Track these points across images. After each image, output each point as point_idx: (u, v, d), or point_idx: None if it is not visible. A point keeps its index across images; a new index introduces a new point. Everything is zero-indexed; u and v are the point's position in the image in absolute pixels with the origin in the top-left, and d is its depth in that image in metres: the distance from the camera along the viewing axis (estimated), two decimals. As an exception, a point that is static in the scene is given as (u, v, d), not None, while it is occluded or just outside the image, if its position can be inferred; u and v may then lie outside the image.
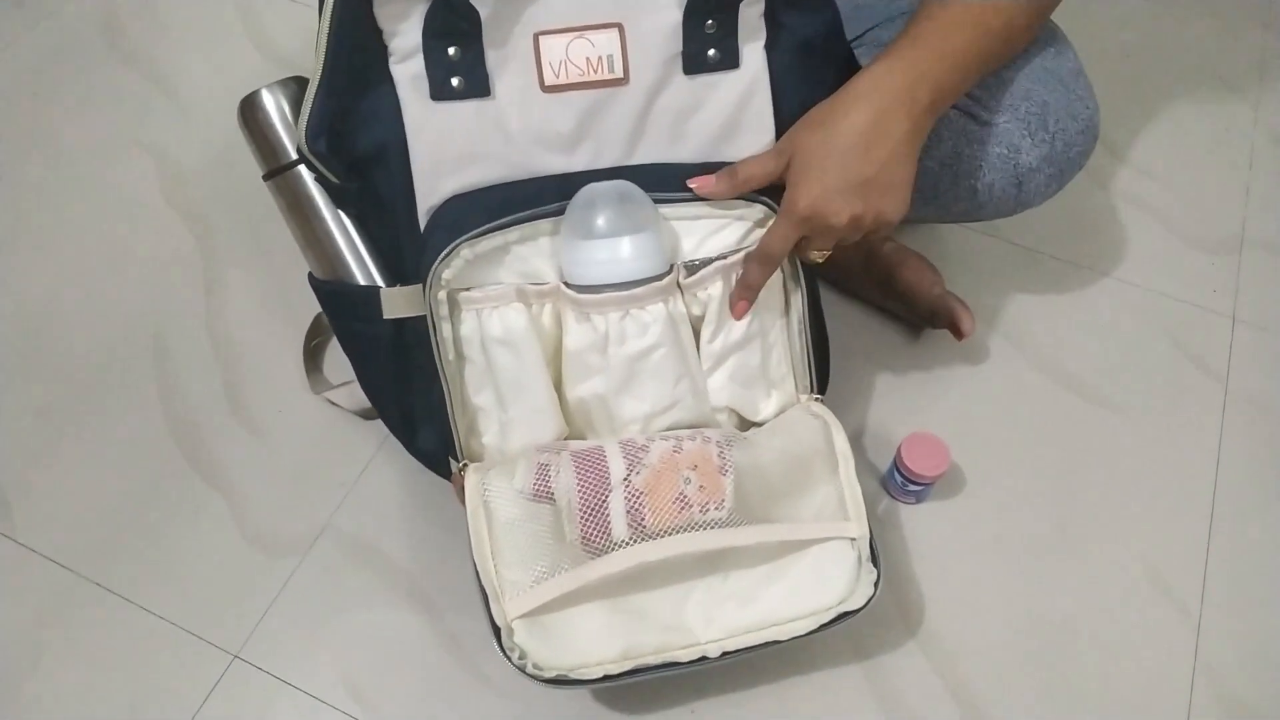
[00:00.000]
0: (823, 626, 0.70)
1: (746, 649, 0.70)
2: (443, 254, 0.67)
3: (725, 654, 0.69)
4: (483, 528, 0.68)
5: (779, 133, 0.71)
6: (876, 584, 0.71)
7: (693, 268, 0.71)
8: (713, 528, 0.68)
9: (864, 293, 0.99)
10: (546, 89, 0.67)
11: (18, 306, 1.00)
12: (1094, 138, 0.84)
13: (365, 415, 0.91)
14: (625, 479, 0.68)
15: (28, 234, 1.05)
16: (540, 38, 0.66)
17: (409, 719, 0.77)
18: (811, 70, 0.72)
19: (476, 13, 0.65)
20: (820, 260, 0.72)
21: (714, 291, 0.72)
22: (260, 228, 1.04)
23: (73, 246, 1.04)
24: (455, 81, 0.67)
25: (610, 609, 0.69)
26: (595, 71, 0.67)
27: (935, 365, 0.97)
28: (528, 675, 0.66)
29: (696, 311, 0.73)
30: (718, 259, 0.71)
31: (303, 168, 0.78)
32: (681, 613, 0.71)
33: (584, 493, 0.67)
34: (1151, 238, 1.07)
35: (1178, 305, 1.02)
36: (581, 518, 0.67)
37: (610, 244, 0.67)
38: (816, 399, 0.78)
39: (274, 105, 0.79)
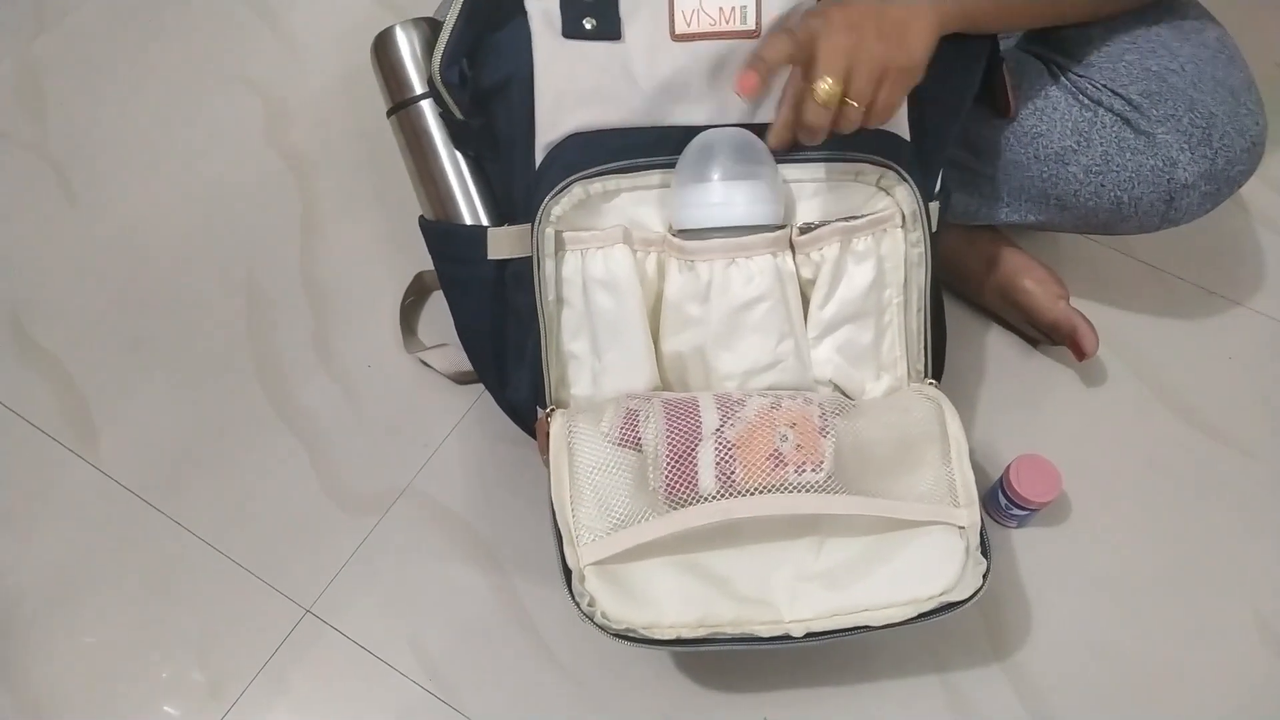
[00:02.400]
0: (922, 616, 0.64)
1: (834, 631, 0.64)
2: (557, 189, 0.67)
3: (810, 635, 0.64)
4: (564, 469, 0.66)
5: (910, 98, 0.68)
6: (985, 576, 0.65)
7: (808, 228, 0.69)
8: (808, 491, 0.63)
9: (982, 298, 0.94)
10: (676, 37, 0.67)
11: (118, 234, 1.00)
12: (1259, 157, 0.78)
13: (458, 379, 0.89)
14: (718, 429, 0.64)
15: (129, 164, 1.05)
16: None
17: (473, 690, 0.76)
18: (951, 47, 0.68)
19: None
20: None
21: (828, 254, 0.70)
22: (362, 176, 1.03)
23: (173, 179, 1.04)
24: (587, 22, 0.67)
25: (690, 570, 0.65)
26: (727, 22, 0.66)
27: (1049, 384, 0.92)
28: (595, 624, 0.62)
29: (808, 274, 0.71)
30: (836, 221, 0.69)
31: (426, 104, 0.79)
32: (767, 584, 0.65)
33: (672, 440, 0.64)
34: (1292, 268, 1.00)
35: (1315, 342, 0.95)
36: (669, 465, 0.63)
37: (722, 187, 0.66)
38: (931, 383, 0.74)
39: (406, 42, 0.80)
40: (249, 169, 1.04)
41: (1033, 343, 0.93)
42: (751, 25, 0.67)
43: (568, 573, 0.64)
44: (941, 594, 0.64)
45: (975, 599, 0.64)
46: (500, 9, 0.69)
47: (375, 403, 0.89)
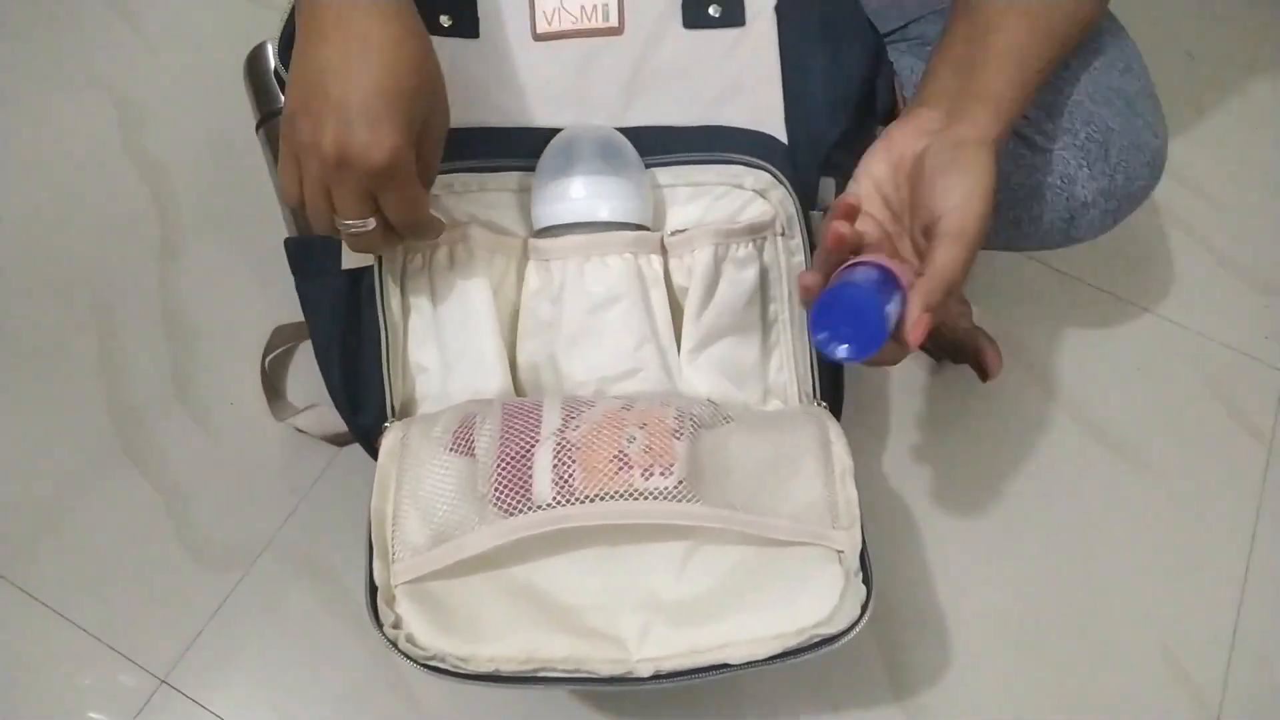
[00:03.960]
0: (790, 653, 0.55)
1: (688, 672, 0.55)
2: None
3: (659, 675, 0.55)
4: (390, 481, 0.58)
5: (786, 100, 0.66)
6: (865, 606, 0.56)
7: (680, 232, 0.65)
8: (656, 498, 0.55)
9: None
10: (538, 36, 0.65)
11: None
12: (1159, 171, 0.74)
13: (335, 441, 0.82)
14: (559, 430, 0.57)
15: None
16: None
17: (347, 765, 0.71)
18: (830, 48, 0.67)
19: None
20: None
21: (700, 258, 0.64)
22: (228, 193, 0.95)
23: (17, 192, 0.94)
24: (444, 19, 0.64)
25: (522, 593, 0.57)
26: (589, 20, 0.65)
27: (950, 400, 0.88)
28: (399, 651, 0.54)
29: (682, 281, 0.66)
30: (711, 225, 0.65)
31: None
32: (613, 613, 0.57)
33: (507, 442, 0.56)
34: (1203, 271, 0.98)
35: (1224, 351, 0.93)
36: (499, 468, 0.55)
37: (583, 182, 0.62)
38: (822, 405, 0.68)
39: (276, 57, 0.74)
40: (101, 181, 0.95)
41: (935, 359, 0.90)
42: (614, 22, 0.65)
43: (372, 590, 0.56)
44: (815, 626, 0.56)
45: (853, 632, 0.56)
46: None
47: (238, 445, 0.83)
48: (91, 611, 0.75)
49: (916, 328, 0.52)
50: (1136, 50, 0.75)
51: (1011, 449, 0.87)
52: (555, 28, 0.65)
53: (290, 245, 0.72)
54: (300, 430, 0.82)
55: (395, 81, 0.51)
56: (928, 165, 0.56)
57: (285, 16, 0.66)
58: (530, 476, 0.55)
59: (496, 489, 0.55)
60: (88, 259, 0.91)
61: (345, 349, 0.68)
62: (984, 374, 0.84)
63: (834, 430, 0.62)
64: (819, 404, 0.67)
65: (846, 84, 0.70)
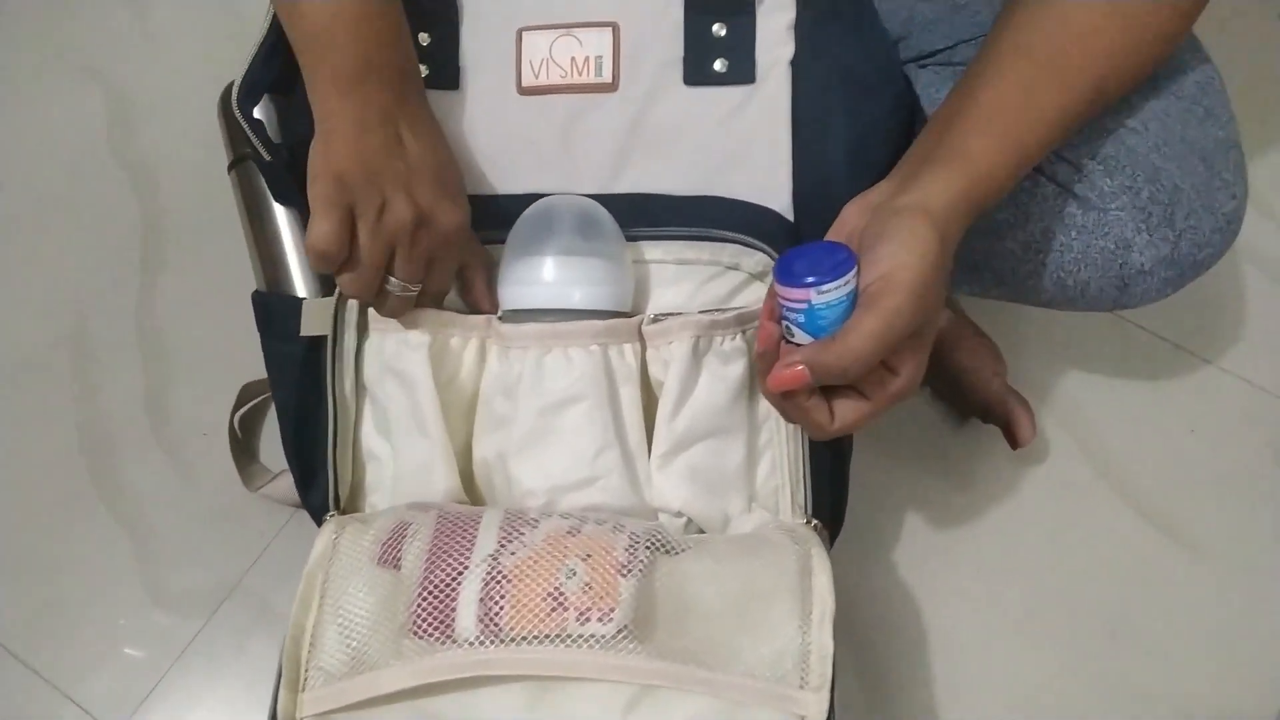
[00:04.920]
0: None
1: None
2: None
3: None
4: (314, 592, 0.54)
5: (796, 170, 0.59)
6: None
7: (659, 319, 0.58)
8: (591, 647, 0.50)
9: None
10: (523, 90, 0.59)
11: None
12: (1233, 237, 0.64)
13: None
14: (493, 555, 0.52)
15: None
16: (524, 33, 0.59)
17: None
18: (853, 103, 0.59)
19: None
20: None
21: (677, 351, 0.57)
22: (216, 204, 0.89)
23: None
24: (423, 69, 0.59)
25: None
26: (580, 74, 0.59)
27: (973, 461, 0.80)
28: None
29: (659, 375, 0.59)
30: (696, 313, 0.57)
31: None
32: None
33: (433, 564, 0.51)
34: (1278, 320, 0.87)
35: (1294, 415, 0.83)
36: (420, 596, 0.51)
37: (554, 263, 0.56)
38: (811, 523, 0.60)
39: None
40: (87, 181, 0.91)
41: (961, 416, 0.82)
42: (607, 78, 0.58)
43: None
44: None
45: None
46: None
47: (208, 481, 0.79)
48: (48, 655, 0.73)
49: (776, 378, 0.48)
50: (1221, 85, 0.65)
51: (1041, 516, 0.79)
52: (542, 81, 0.59)
53: (257, 300, 0.67)
54: (274, 499, 0.77)
55: (451, 156, 0.56)
56: (862, 242, 0.49)
57: (251, 57, 0.60)
58: (454, 607, 0.50)
59: (416, 618, 0.50)
60: (68, 267, 0.87)
61: (300, 421, 0.63)
62: (1014, 441, 0.75)
63: (819, 559, 0.55)
64: (809, 521, 0.59)
65: (872, 143, 0.61)
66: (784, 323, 0.50)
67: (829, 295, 0.47)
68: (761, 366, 0.51)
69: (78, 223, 0.89)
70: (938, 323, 0.51)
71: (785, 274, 0.48)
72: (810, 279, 0.47)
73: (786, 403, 0.51)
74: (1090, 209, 0.62)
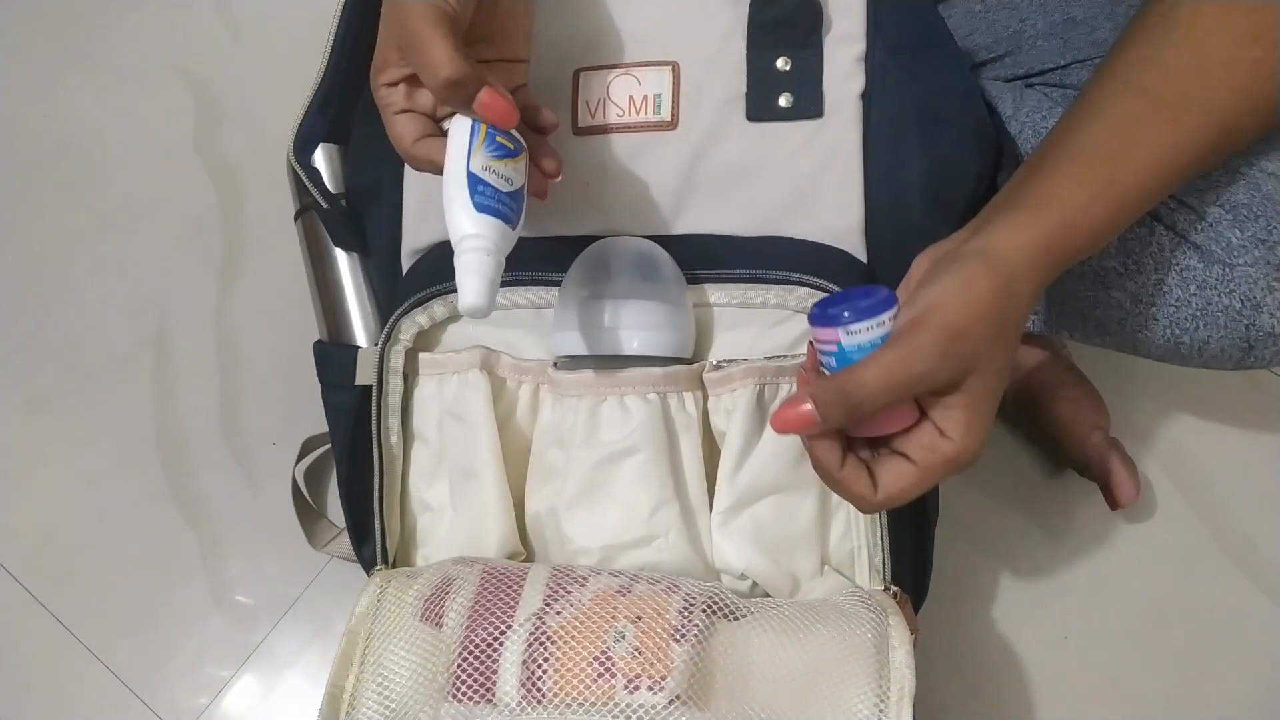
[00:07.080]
0: None
1: None
2: (409, 303, 0.56)
3: None
4: (355, 649, 0.53)
5: (868, 208, 0.55)
6: None
7: (721, 365, 0.55)
8: (640, 717, 0.47)
9: (1004, 411, 0.76)
10: (578, 130, 0.57)
11: (23, 265, 0.89)
12: None
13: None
14: (538, 614, 0.50)
15: (41, 174, 0.92)
16: (581, 74, 0.57)
17: None
18: (932, 140, 0.56)
19: None
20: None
21: (741, 401, 0.54)
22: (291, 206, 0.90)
23: (88, 195, 0.92)
24: None
25: None
26: (639, 112, 0.56)
27: (1072, 513, 0.75)
28: None
29: (722, 425, 0.56)
30: (759, 360, 0.54)
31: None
32: None
33: (475, 623, 0.50)
34: None
35: None
36: (461, 656, 0.49)
37: (610, 307, 0.53)
38: (890, 590, 0.56)
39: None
40: (171, 184, 0.92)
41: (1055, 466, 0.76)
42: (666, 116, 0.56)
43: None
44: None
45: None
46: (366, 98, 0.59)
47: (275, 491, 0.79)
48: (122, 654, 0.75)
49: (780, 415, 0.44)
50: None
51: (1139, 574, 0.74)
52: (599, 121, 0.56)
53: (318, 350, 0.67)
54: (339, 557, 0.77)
55: None
56: (916, 289, 0.45)
57: (305, 108, 0.62)
58: (496, 669, 0.48)
59: (456, 680, 0.49)
60: (153, 269, 0.89)
61: (353, 474, 0.62)
62: (1113, 503, 0.70)
63: (898, 633, 0.51)
64: (888, 588, 0.55)
65: (949, 178, 0.57)
66: (820, 369, 0.46)
67: (860, 336, 0.44)
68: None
69: (163, 225, 0.90)
70: (1000, 383, 0.46)
71: (817, 314, 0.45)
72: (838, 317, 0.44)
73: (819, 469, 0.47)
74: (1214, 262, 0.56)
